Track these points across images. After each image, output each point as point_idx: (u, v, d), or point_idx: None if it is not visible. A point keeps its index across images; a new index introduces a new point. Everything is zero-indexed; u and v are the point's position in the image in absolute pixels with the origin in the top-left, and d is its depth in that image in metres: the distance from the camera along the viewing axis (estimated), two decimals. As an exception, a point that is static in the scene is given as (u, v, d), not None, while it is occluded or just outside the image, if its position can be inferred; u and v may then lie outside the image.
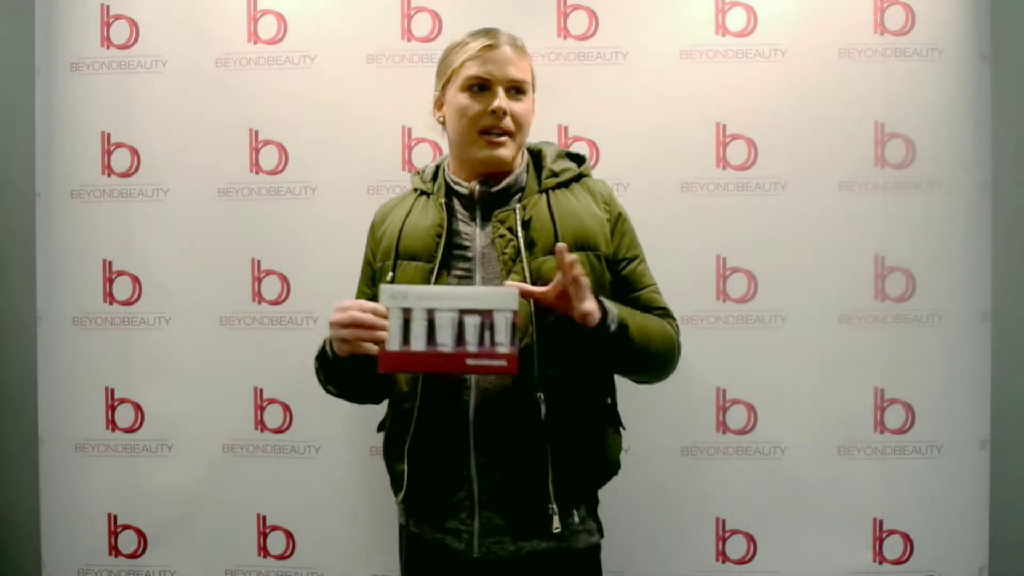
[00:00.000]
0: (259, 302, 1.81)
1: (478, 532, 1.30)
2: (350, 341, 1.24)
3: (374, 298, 1.29)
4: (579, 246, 1.34)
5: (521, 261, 1.31)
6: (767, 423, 1.76)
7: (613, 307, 1.26)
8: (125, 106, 1.82)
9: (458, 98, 1.35)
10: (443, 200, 1.38)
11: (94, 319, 1.83)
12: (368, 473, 1.75)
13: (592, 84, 1.77)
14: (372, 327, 1.23)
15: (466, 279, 1.33)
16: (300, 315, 1.79)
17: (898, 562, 1.74)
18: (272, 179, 1.80)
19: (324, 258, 1.77)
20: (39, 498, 1.88)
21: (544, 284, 1.29)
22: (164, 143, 1.81)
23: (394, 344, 1.23)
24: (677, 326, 1.40)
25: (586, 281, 1.21)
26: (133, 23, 1.81)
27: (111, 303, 1.82)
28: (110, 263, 1.82)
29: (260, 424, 1.81)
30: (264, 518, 1.82)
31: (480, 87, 1.34)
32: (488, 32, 1.36)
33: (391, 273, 1.36)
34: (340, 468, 1.80)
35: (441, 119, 1.41)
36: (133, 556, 1.83)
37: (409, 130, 1.79)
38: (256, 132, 1.80)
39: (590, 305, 1.21)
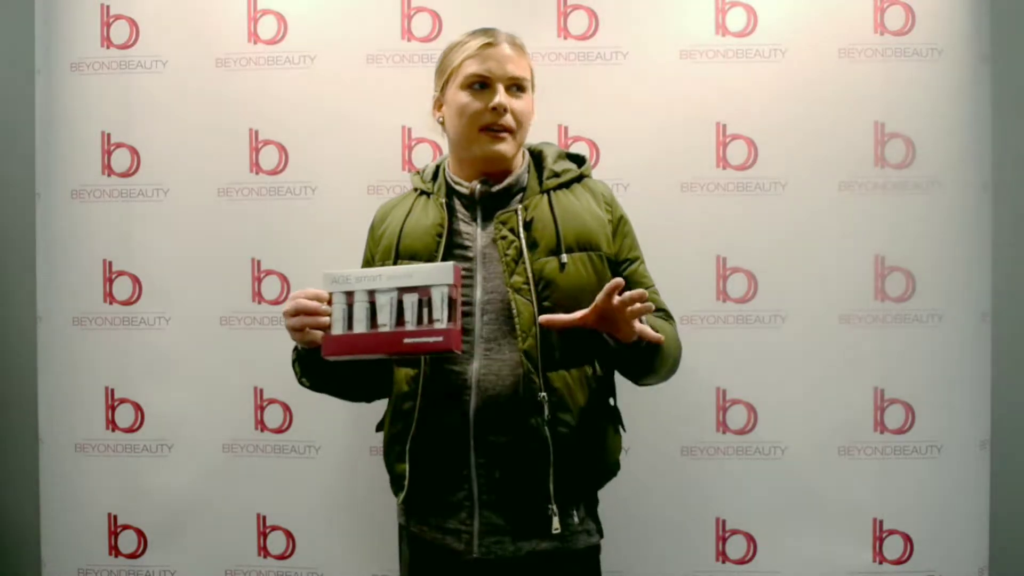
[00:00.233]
0: (259, 302, 1.81)
1: (478, 532, 1.30)
2: (299, 329, 1.26)
3: None
4: (581, 246, 1.34)
5: (523, 262, 1.31)
6: (767, 423, 1.76)
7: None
8: (125, 106, 1.82)
9: (458, 96, 1.35)
10: (443, 200, 1.38)
11: (94, 319, 1.83)
12: (368, 473, 1.75)
13: (592, 84, 1.77)
14: (315, 313, 1.24)
15: (466, 279, 1.33)
16: (300, 315, 1.79)
17: (898, 562, 1.74)
18: (272, 179, 1.80)
19: (324, 258, 1.75)
20: (39, 498, 1.88)
21: (547, 285, 1.30)
22: (164, 143, 1.81)
23: (338, 328, 1.24)
24: (676, 327, 1.41)
25: (649, 306, 1.19)
26: (133, 23, 1.81)
27: (111, 303, 1.82)
28: (110, 263, 1.82)
29: (260, 424, 1.81)
30: (264, 518, 1.82)
31: (480, 85, 1.34)
32: (487, 31, 1.36)
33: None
34: (340, 468, 1.80)
35: (441, 119, 1.41)
36: (133, 556, 1.83)
37: (409, 130, 1.79)
38: (256, 132, 1.80)
39: (640, 327, 1.21)
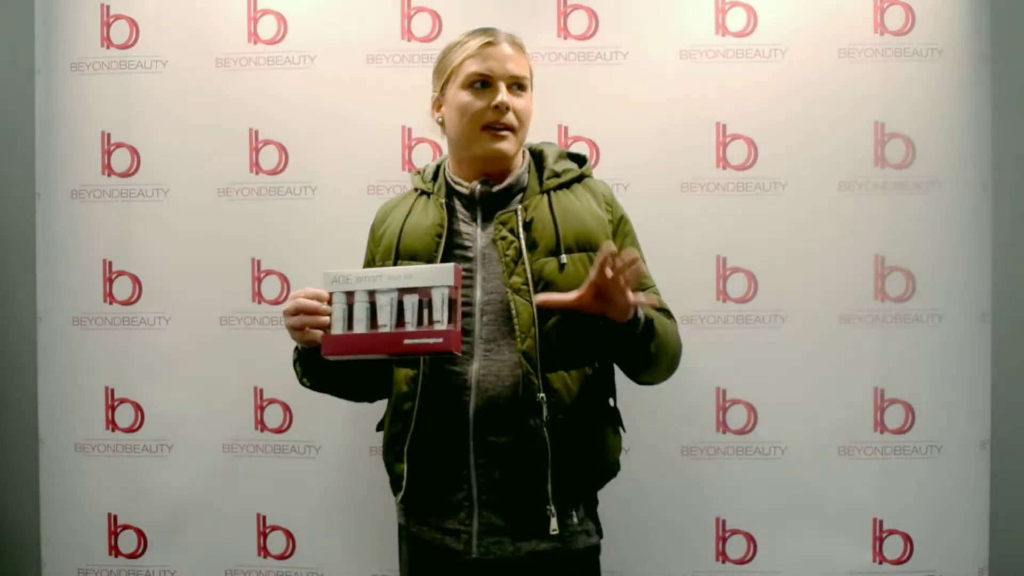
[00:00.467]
0: (259, 302, 1.81)
1: (477, 532, 1.30)
2: (299, 328, 1.26)
3: None
4: (580, 247, 1.34)
5: (523, 262, 1.31)
6: (767, 423, 1.76)
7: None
8: (125, 106, 1.82)
9: (459, 96, 1.35)
10: (443, 200, 1.38)
11: (94, 319, 1.83)
12: (368, 473, 1.74)
13: (592, 84, 1.77)
14: (315, 312, 1.24)
15: (466, 279, 1.33)
16: (300, 315, 1.79)
17: (898, 562, 1.74)
18: (272, 179, 1.80)
19: (324, 258, 1.75)
20: (39, 498, 1.88)
21: (546, 286, 1.30)
22: (164, 143, 1.81)
23: (338, 328, 1.24)
24: (677, 326, 1.40)
25: (640, 266, 1.19)
26: (133, 23, 1.81)
27: (111, 303, 1.82)
28: (110, 263, 1.82)
29: (260, 424, 1.81)
30: (264, 518, 1.82)
31: (482, 84, 1.34)
32: (486, 31, 1.36)
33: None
34: (340, 468, 1.80)
35: (440, 119, 1.41)
36: (133, 556, 1.83)
37: (409, 130, 1.79)
38: (256, 132, 1.80)
39: (635, 296, 1.21)
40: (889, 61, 1.73)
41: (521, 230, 1.33)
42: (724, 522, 1.77)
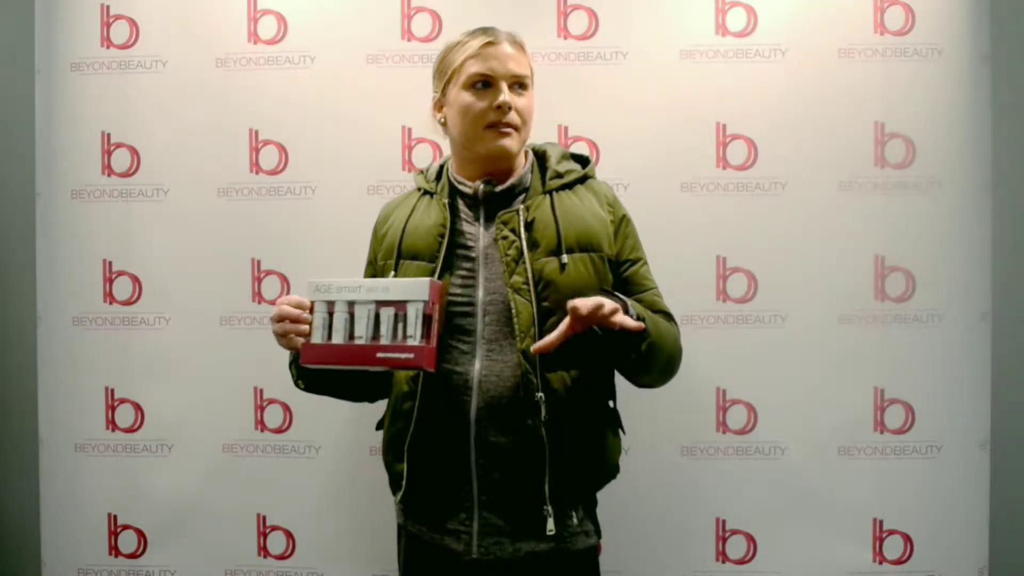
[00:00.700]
0: (259, 302, 1.81)
1: (476, 533, 1.30)
2: (282, 335, 1.28)
3: None
4: (582, 247, 1.34)
5: (524, 262, 1.31)
6: (767, 423, 1.76)
7: (630, 302, 1.26)
8: (125, 106, 1.82)
9: (461, 96, 1.35)
10: (446, 200, 1.38)
11: (94, 319, 1.83)
12: (368, 473, 1.75)
13: (592, 84, 1.77)
14: (297, 320, 1.26)
15: (469, 279, 1.33)
16: (300, 315, 1.79)
17: (898, 562, 1.74)
18: (272, 179, 1.80)
19: (324, 258, 1.77)
20: (39, 498, 1.88)
21: (547, 285, 1.30)
22: (164, 143, 1.81)
23: (317, 337, 1.25)
24: (678, 329, 1.39)
25: (593, 307, 1.16)
26: (133, 23, 1.81)
27: (111, 303, 1.82)
28: (110, 263, 1.83)
29: (260, 424, 1.82)
30: (264, 518, 1.82)
31: (483, 84, 1.34)
32: (486, 30, 1.36)
33: (393, 272, 1.36)
34: (340, 468, 1.80)
35: (442, 120, 1.41)
36: (133, 556, 1.83)
37: (409, 130, 1.79)
38: (256, 132, 1.80)
39: (619, 319, 1.19)
40: (889, 61, 1.74)
41: (523, 230, 1.33)
42: (724, 522, 1.77)
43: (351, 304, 1.25)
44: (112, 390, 1.83)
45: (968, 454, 1.75)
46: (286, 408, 1.81)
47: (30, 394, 1.94)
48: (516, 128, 1.34)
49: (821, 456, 1.75)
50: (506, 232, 1.33)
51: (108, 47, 1.82)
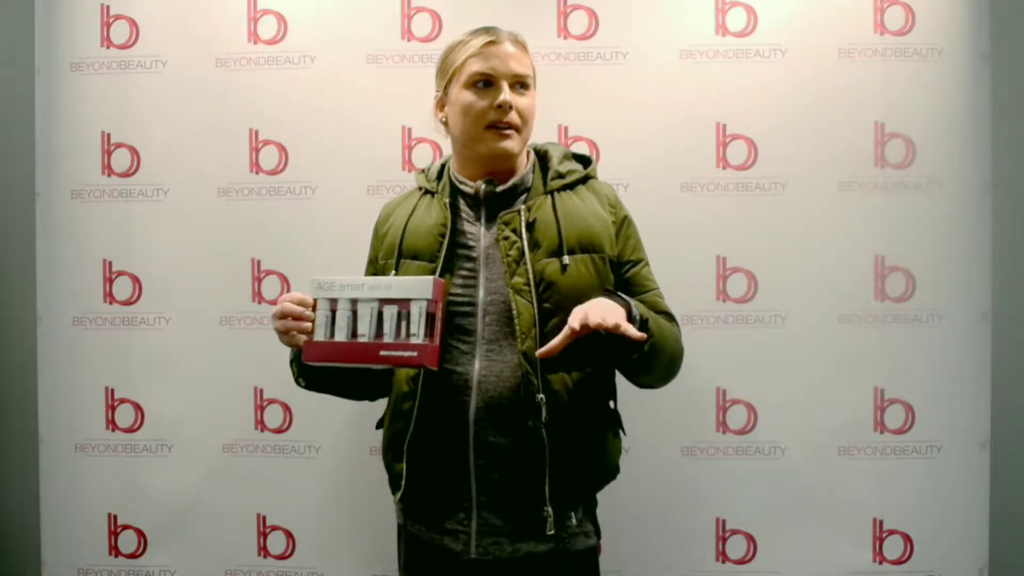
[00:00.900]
0: (259, 302, 1.81)
1: (476, 533, 1.30)
2: (285, 332, 1.28)
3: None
4: (583, 248, 1.33)
5: (525, 263, 1.31)
6: (767, 423, 1.76)
7: (633, 303, 1.26)
8: (125, 106, 1.82)
9: (462, 96, 1.34)
10: (447, 200, 1.38)
11: (94, 319, 1.83)
12: (368, 473, 1.74)
13: (592, 84, 1.77)
14: (299, 318, 1.26)
15: (470, 279, 1.33)
16: (300, 315, 1.79)
17: (898, 562, 1.74)
18: (272, 179, 1.80)
19: (324, 258, 1.77)
20: (39, 498, 1.88)
21: (548, 286, 1.30)
22: (164, 143, 1.81)
23: (319, 334, 1.25)
24: (679, 330, 1.39)
25: (597, 325, 1.18)
26: (133, 23, 1.81)
27: (111, 303, 1.82)
28: (110, 263, 1.83)
29: (260, 424, 1.82)
30: (264, 518, 1.82)
31: (485, 83, 1.33)
32: (488, 30, 1.36)
33: (394, 272, 1.36)
34: (340, 468, 1.80)
35: (444, 119, 1.41)
36: (133, 556, 1.83)
37: (409, 130, 1.79)
38: (256, 132, 1.80)
39: (614, 322, 1.19)
40: (889, 61, 1.74)
41: (524, 230, 1.33)
42: (724, 522, 1.77)
43: (354, 302, 1.25)
44: (112, 390, 1.83)
45: (968, 454, 1.75)
46: (286, 408, 1.81)
47: (30, 394, 1.94)
48: (516, 128, 1.34)
49: (821, 456, 1.75)
50: (507, 232, 1.33)
51: (108, 47, 1.82)
